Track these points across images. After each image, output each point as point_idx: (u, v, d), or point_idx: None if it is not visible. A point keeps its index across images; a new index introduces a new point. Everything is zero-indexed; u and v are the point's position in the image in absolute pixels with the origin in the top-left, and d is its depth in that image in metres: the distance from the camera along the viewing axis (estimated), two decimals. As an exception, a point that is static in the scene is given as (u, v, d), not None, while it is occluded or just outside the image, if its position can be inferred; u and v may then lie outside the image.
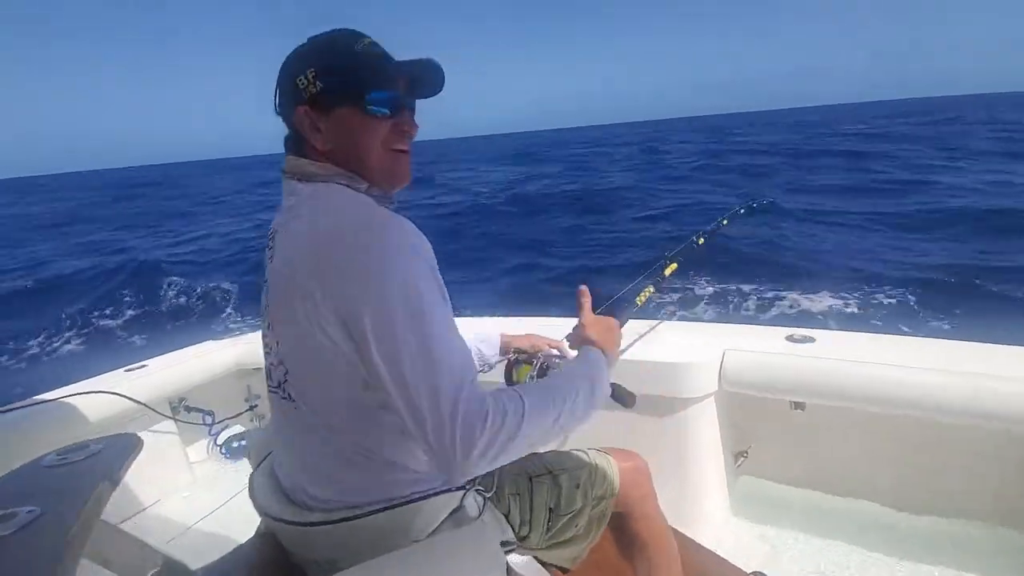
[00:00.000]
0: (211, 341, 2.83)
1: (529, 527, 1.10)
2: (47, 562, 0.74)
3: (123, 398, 2.17)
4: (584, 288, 1.19)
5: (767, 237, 10.34)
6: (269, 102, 0.95)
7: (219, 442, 2.68)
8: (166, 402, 2.46)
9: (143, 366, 2.50)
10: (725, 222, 1.87)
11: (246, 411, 2.75)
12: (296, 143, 0.94)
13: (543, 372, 1.30)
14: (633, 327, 1.91)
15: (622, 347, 1.18)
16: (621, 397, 1.23)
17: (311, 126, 0.90)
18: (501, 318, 2.71)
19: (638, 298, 1.51)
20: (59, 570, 0.73)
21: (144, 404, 2.24)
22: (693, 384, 1.85)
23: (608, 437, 1.32)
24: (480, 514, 1.01)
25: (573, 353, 1.17)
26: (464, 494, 0.99)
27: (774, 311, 7.47)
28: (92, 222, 25.96)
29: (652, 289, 1.53)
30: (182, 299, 10.68)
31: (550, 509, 1.12)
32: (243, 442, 2.66)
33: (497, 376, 1.38)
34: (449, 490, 0.97)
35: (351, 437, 0.89)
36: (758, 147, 32.98)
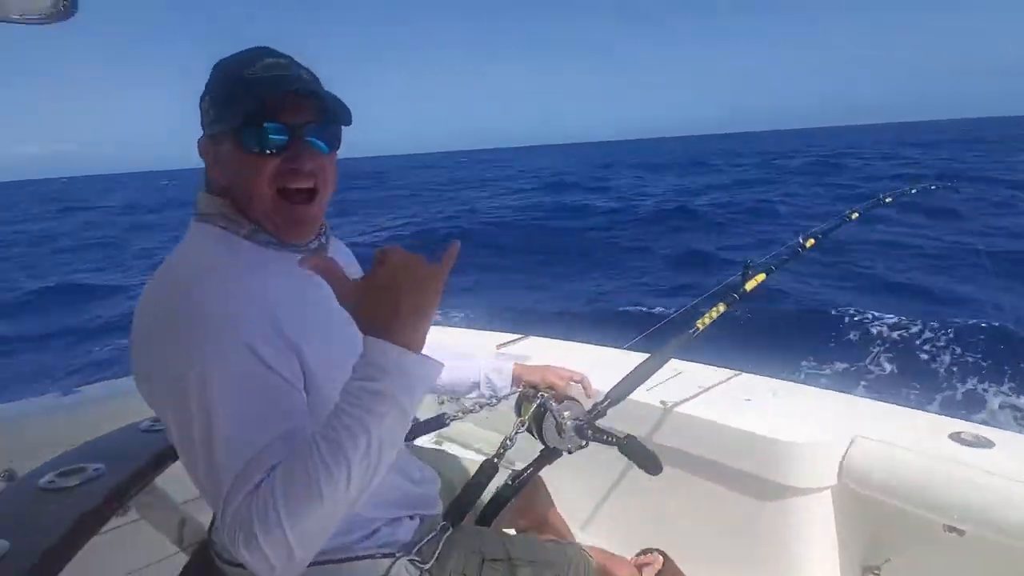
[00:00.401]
0: None
1: None
2: (91, 513, 0.90)
3: None
4: (455, 244, 0.74)
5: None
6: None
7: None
8: None
9: None
10: (888, 199, 1.52)
11: None
12: (206, 174, 0.86)
13: (540, 414, 1.14)
14: (711, 376, 1.58)
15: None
16: (641, 458, 1.04)
17: (209, 157, 0.83)
18: (545, 339, 2.32)
19: (699, 321, 1.26)
20: (91, 519, 0.89)
21: None
22: (800, 470, 1.41)
23: (692, 509, 1.17)
24: None
25: (582, 396, 1.15)
26: (393, 562, 0.89)
27: (937, 395, 5.12)
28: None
29: (723, 308, 1.30)
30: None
31: None
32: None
33: (507, 407, 1.29)
34: (372, 556, 0.89)
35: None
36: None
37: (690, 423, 1.21)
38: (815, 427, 1.43)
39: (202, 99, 0.82)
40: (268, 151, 0.78)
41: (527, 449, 1.21)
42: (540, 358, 1.54)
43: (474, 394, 1.27)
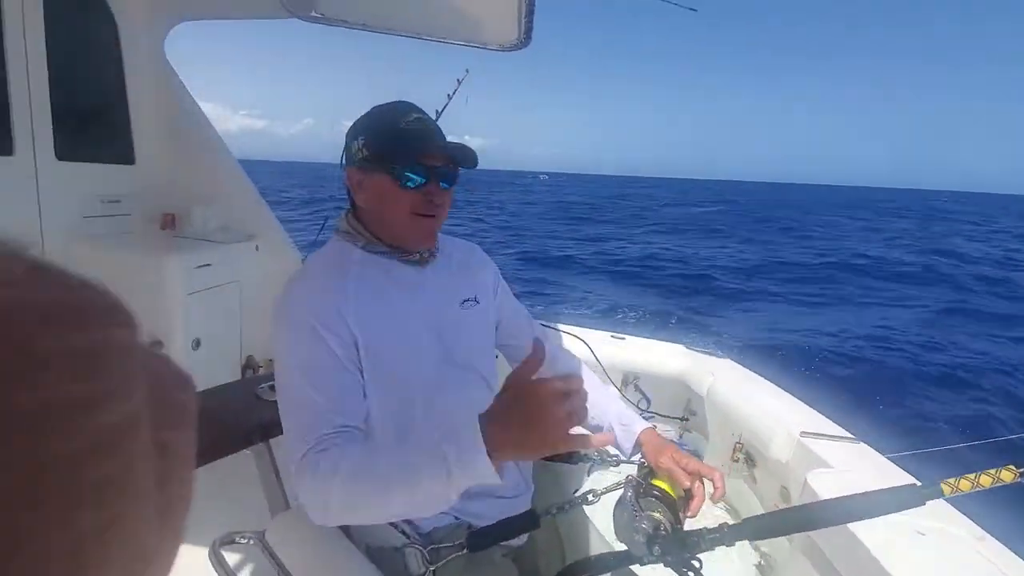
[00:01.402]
0: None
1: None
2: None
3: None
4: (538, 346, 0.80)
5: None
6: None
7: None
8: None
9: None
10: None
11: None
12: (349, 199, 1.09)
13: (625, 504, 0.98)
14: None
15: None
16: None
17: (356, 184, 1.04)
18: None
19: (947, 483, 0.83)
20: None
21: None
22: None
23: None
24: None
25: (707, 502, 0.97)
26: (407, 544, 1.00)
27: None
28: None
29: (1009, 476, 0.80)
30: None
31: None
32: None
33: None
34: (397, 528, 1.02)
35: None
36: None
37: None
38: None
39: (354, 138, 1.03)
40: (411, 186, 0.99)
41: None
42: None
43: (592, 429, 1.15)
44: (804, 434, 2.02)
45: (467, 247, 1.24)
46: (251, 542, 0.97)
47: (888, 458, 1.88)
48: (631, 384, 3.08)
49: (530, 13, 1.97)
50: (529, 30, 2.18)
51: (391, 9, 2.37)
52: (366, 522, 0.96)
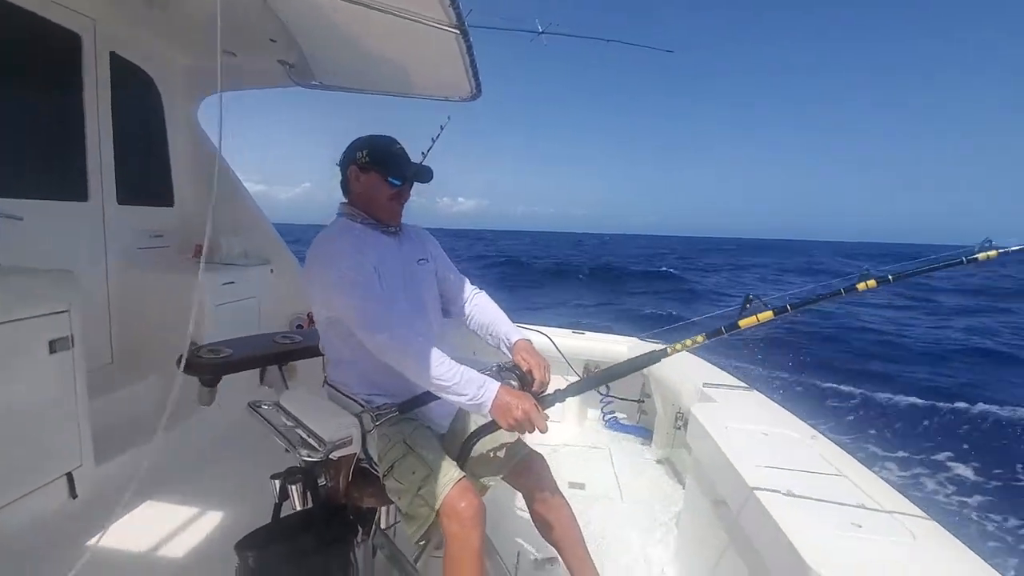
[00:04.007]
0: None
1: (380, 462, 1.49)
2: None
3: None
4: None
5: None
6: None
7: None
8: None
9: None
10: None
11: None
12: (344, 188, 1.66)
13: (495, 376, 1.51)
14: None
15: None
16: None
17: (354, 178, 1.61)
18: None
19: (672, 347, 1.48)
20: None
21: None
22: None
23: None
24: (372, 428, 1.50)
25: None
26: (365, 408, 1.52)
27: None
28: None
29: (701, 339, 1.43)
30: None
31: (390, 467, 1.46)
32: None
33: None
34: (360, 399, 1.57)
35: None
36: None
37: None
38: None
39: (359, 149, 1.60)
40: (395, 185, 1.59)
41: None
42: None
43: (491, 343, 1.77)
44: (706, 384, 2.56)
45: (421, 231, 1.83)
46: (271, 407, 1.53)
47: (764, 395, 2.42)
48: (592, 372, 3.58)
49: (475, 71, 2.63)
50: (478, 84, 2.84)
51: (374, 75, 3.06)
52: (422, 382, 1.41)
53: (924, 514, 1.34)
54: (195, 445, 2.82)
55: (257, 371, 1.83)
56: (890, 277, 1.32)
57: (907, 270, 1.35)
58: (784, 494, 1.39)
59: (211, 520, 2.27)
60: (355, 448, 1.45)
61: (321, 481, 1.47)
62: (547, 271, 30.43)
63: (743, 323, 1.37)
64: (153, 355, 3.00)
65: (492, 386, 1.38)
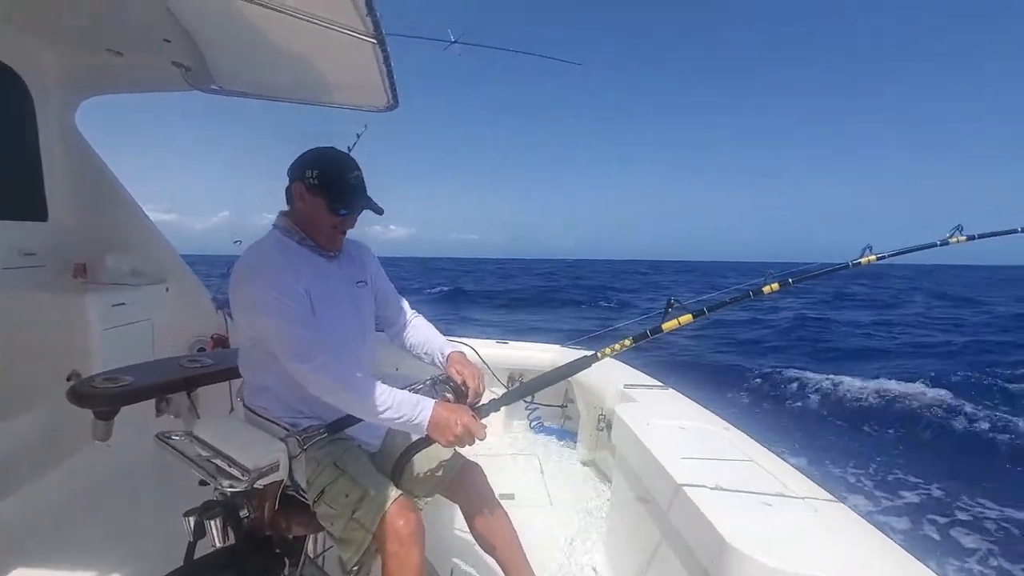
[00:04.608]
0: None
1: (309, 489, 1.41)
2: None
3: None
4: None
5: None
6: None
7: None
8: None
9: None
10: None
11: None
12: (288, 197, 1.53)
13: (426, 391, 1.55)
14: None
15: None
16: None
17: (299, 196, 1.48)
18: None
19: (601, 351, 1.50)
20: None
21: None
22: None
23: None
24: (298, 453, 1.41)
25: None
26: (290, 433, 1.42)
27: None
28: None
29: (629, 343, 1.48)
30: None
31: (320, 492, 1.39)
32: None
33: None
34: (284, 425, 1.46)
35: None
36: None
37: None
38: None
39: (310, 167, 1.46)
40: (340, 215, 1.48)
41: None
42: None
43: (426, 359, 1.73)
44: (627, 386, 2.66)
45: (362, 246, 1.73)
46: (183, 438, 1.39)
47: (679, 392, 2.56)
48: (516, 381, 3.63)
49: (391, 81, 2.57)
50: (395, 95, 2.79)
51: (281, 81, 2.91)
52: (354, 412, 1.39)
53: (829, 495, 1.49)
54: (88, 485, 2.52)
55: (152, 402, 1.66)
56: (790, 280, 1.48)
57: (804, 274, 1.52)
58: (704, 483, 1.48)
59: (113, 568, 2.03)
60: (282, 475, 1.36)
61: (243, 513, 1.36)
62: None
63: (666, 326, 1.44)
64: (34, 386, 2.64)
65: (427, 404, 1.35)
